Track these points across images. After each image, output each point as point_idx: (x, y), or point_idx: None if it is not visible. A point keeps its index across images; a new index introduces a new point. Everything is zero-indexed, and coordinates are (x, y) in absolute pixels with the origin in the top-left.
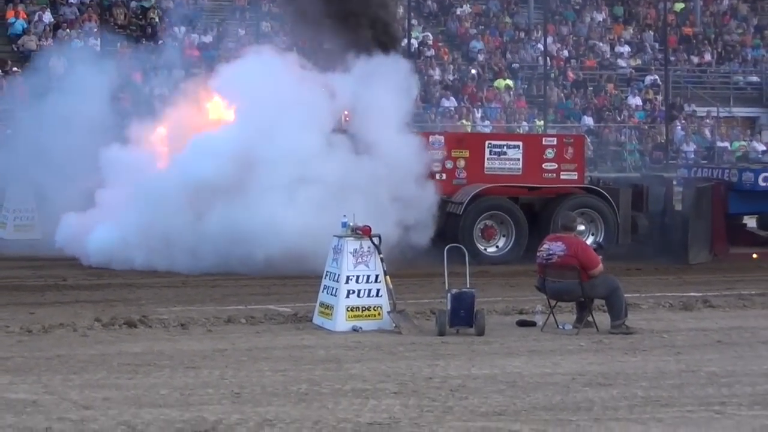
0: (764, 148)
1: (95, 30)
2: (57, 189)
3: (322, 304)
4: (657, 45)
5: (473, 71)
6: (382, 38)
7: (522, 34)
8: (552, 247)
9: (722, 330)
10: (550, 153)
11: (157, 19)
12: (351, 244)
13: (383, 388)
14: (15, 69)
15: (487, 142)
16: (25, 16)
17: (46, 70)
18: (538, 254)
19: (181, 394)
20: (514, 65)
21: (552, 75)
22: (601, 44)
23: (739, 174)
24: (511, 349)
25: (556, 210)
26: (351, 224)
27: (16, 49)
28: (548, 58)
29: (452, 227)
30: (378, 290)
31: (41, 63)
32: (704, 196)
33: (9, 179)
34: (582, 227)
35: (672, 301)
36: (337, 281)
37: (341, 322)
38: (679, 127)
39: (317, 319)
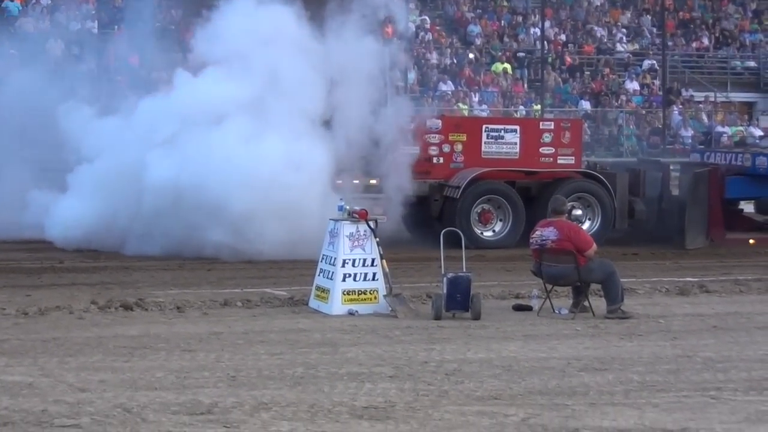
0: (761, 133)
1: (93, 12)
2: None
3: (318, 288)
4: (655, 30)
5: (471, 55)
6: None
7: (520, 18)
8: (544, 233)
9: (718, 315)
10: (547, 137)
11: None
12: (347, 228)
13: (379, 372)
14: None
15: (484, 126)
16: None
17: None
18: (531, 240)
19: (177, 377)
20: (519, 54)
21: (549, 59)
22: (598, 29)
23: (753, 159)
24: (507, 333)
25: (553, 195)
26: (347, 208)
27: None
28: (546, 42)
29: (449, 211)
30: (374, 274)
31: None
32: (701, 181)
33: None
34: (579, 212)
35: (668, 286)
36: (334, 265)
37: (337, 305)
38: (677, 112)
39: (313, 303)
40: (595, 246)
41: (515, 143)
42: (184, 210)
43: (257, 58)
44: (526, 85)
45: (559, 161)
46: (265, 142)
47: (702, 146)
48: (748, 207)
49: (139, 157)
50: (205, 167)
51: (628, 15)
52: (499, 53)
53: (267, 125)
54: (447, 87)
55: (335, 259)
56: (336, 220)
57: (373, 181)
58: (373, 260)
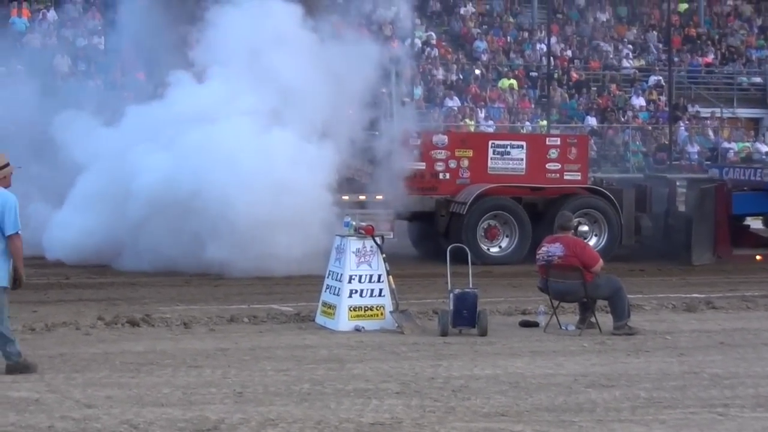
0: (767, 149)
1: (99, 28)
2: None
3: (324, 304)
4: (661, 45)
5: (477, 71)
6: None
7: (525, 34)
8: (551, 249)
9: (725, 331)
10: (553, 153)
11: None
12: (354, 244)
13: (386, 388)
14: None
15: (490, 142)
16: (28, 15)
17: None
18: (537, 256)
19: (184, 393)
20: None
21: (555, 75)
22: (604, 44)
23: None
24: (513, 349)
25: (560, 210)
26: (354, 224)
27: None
28: (552, 58)
29: (456, 227)
30: (381, 290)
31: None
32: (708, 197)
33: None
34: (586, 228)
35: (675, 303)
36: (340, 281)
37: (344, 321)
38: (683, 128)
39: (319, 319)
40: (601, 262)
41: (522, 159)
42: (181, 219)
43: (260, 63)
44: (533, 103)
45: (565, 177)
46: (269, 150)
47: (708, 162)
48: (754, 223)
49: (134, 166)
50: (204, 173)
51: (635, 31)
52: (506, 69)
53: (271, 133)
54: (453, 103)
55: (342, 275)
56: (342, 236)
57: (378, 197)
58: (379, 276)
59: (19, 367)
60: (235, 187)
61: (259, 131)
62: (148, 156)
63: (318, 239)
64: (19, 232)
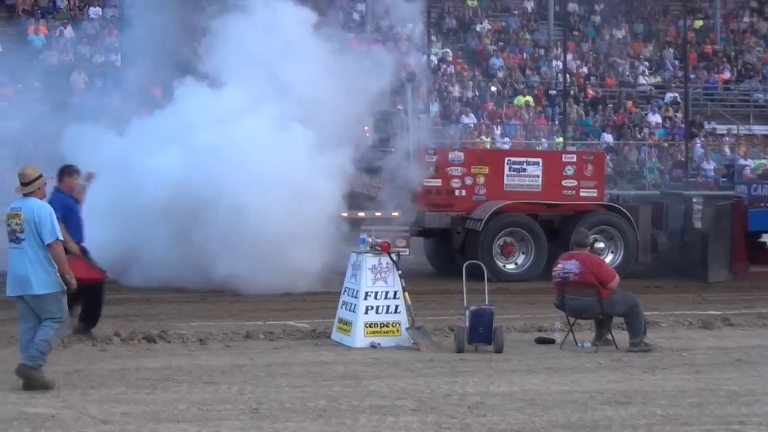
0: None
1: (116, 45)
2: None
3: (340, 320)
4: (677, 62)
5: (493, 88)
6: None
7: (542, 51)
8: (567, 266)
9: (742, 349)
10: (569, 170)
11: None
12: (370, 260)
13: (402, 405)
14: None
15: (506, 159)
16: (45, 32)
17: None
18: (553, 273)
19: (200, 410)
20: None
21: (572, 92)
22: (621, 61)
23: None
24: (529, 366)
25: (576, 227)
26: (369, 240)
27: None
28: (568, 75)
29: (471, 244)
30: (396, 306)
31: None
32: (724, 215)
33: None
34: (601, 245)
35: (691, 320)
36: (356, 297)
37: (360, 338)
38: (699, 145)
39: (336, 335)
40: (617, 278)
41: (538, 176)
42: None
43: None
44: (549, 120)
45: (581, 194)
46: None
47: (725, 179)
48: None
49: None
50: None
51: (651, 48)
52: (522, 86)
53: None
54: (469, 120)
55: (357, 291)
56: (359, 253)
57: (395, 214)
58: (395, 293)
59: (35, 377)
60: (248, 195)
61: (274, 136)
62: (156, 164)
63: (338, 253)
64: (59, 239)
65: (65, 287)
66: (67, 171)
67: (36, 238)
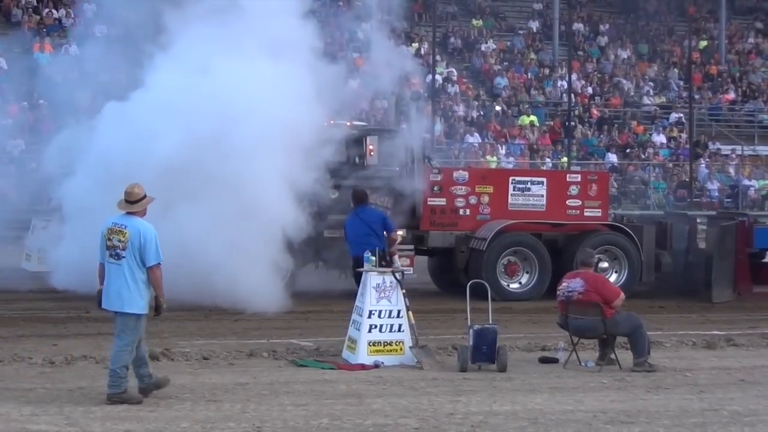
0: None
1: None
2: None
3: (349, 339)
4: (682, 83)
5: (497, 107)
6: None
7: (546, 71)
8: (571, 285)
9: (745, 369)
10: (574, 190)
11: None
12: (374, 279)
13: (404, 424)
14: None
15: (511, 178)
16: (50, 49)
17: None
18: (558, 292)
19: (203, 428)
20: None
21: (576, 112)
22: (626, 81)
23: None
24: (533, 385)
25: (580, 247)
26: (373, 259)
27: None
28: (573, 95)
29: (475, 263)
30: (400, 325)
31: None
32: (728, 235)
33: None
34: (605, 264)
35: (695, 340)
36: (362, 316)
37: (363, 356)
38: (704, 165)
39: (345, 354)
40: (622, 296)
41: (542, 195)
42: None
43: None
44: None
45: (585, 214)
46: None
47: (729, 199)
48: None
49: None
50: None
51: (656, 68)
52: (526, 106)
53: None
54: (474, 139)
55: (363, 309)
56: (364, 271)
57: (400, 233)
58: (399, 311)
59: (150, 388)
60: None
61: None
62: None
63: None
64: (161, 263)
65: (156, 311)
66: None
67: (137, 258)
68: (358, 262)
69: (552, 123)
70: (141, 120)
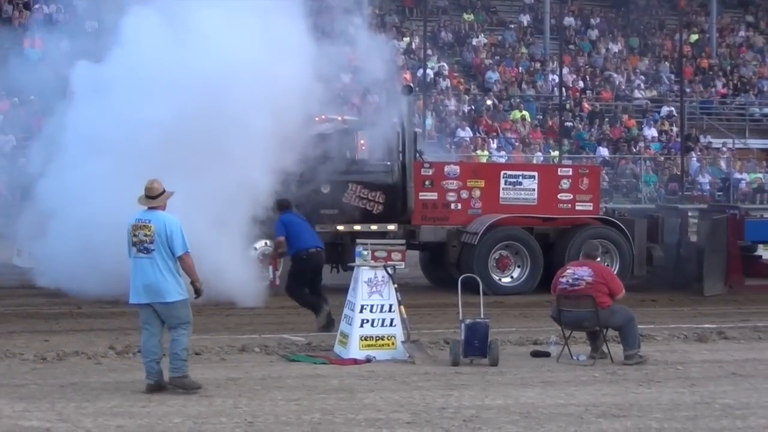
0: None
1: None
2: None
3: (341, 333)
4: (673, 76)
5: (488, 102)
6: None
7: (538, 65)
8: (578, 272)
9: (737, 362)
10: (565, 183)
11: None
12: (365, 274)
13: (396, 418)
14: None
15: (502, 173)
16: (41, 45)
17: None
18: (561, 279)
19: (195, 423)
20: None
21: (567, 106)
22: (617, 75)
23: None
24: (525, 379)
25: (571, 241)
26: (366, 253)
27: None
28: (564, 89)
29: (467, 257)
30: (392, 320)
31: None
32: (719, 228)
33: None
34: (598, 258)
35: (687, 333)
36: (353, 310)
37: (355, 351)
38: (695, 159)
39: (337, 348)
40: (624, 292)
41: (533, 189)
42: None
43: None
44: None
45: (577, 207)
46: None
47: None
48: (766, 254)
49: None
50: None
51: (647, 62)
52: (517, 101)
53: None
54: (465, 133)
55: (355, 304)
56: (356, 266)
57: (391, 227)
58: (390, 306)
59: (187, 384)
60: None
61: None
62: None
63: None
64: (189, 251)
65: (194, 294)
66: None
67: (166, 249)
68: (312, 256)
69: (542, 117)
70: (118, 86)
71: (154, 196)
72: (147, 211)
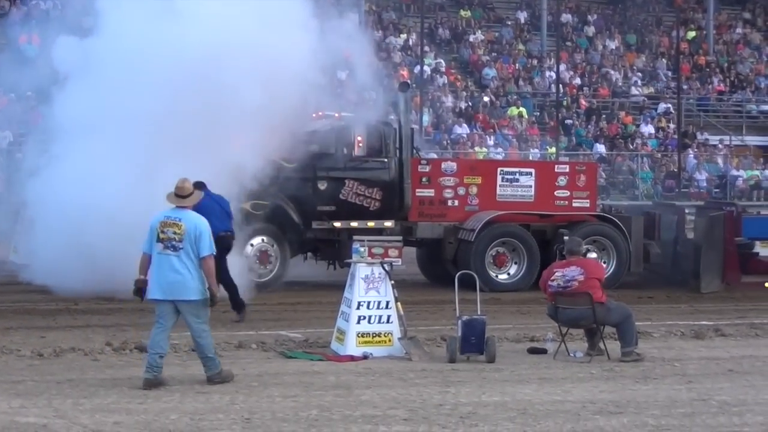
0: None
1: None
2: None
3: (338, 330)
4: (670, 73)
5: (486, 98)
6: None
7: (535, 62)
8: (567, 273)
9: (734, 359)
10: (562, 180)
11: None
12: (362, 270)
13: (393, 415)
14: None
15: (499, 169)
16: (38, 41)
17: None
18: (551, 282)
19: (192, 419)
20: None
21: (564, 102)
22: (614, 72)
23: None
24: (521, 376)
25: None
26: (363, 250)
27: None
28: (561, 86)
29: (464, 254)
30: (389, 316)
31: None
32: (716, 225)
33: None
34: (594, 255)
35: (684, 330)
36: (350, 307)
37: (352, 347)
38: (692, 156)
39: (333, 345)
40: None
41: (530, 186)
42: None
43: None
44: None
45: (574, 204)
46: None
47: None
48: (763, 251)
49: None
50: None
51: (644, 58)
52: (515, 97)
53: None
54: (462, 130)
55: (352, 301)
56: (353, 263)
57: (388, 224)
58: (387, 303)
59: (224, 377)
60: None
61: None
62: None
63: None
64: (214, 254)
65: (209, 300)
66: None
67: (193, 248)
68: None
69: (539, 114)
70: (102, 67)
71: (184, 196)
72: (176, 210)
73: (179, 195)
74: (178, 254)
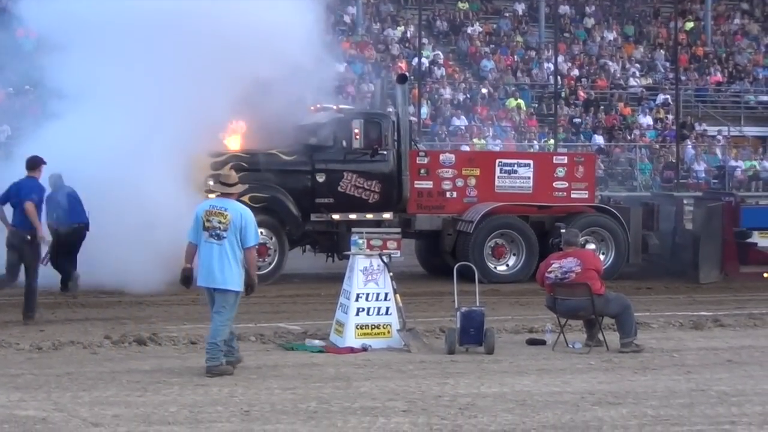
0: None
1: None
2: None
3: (337, 322)
4: (668, 64)
5: (484, 90)
6: None
7: (533, 53)
8: (564, 264)
9: (732, 349)
10: (560, 171)
11: None
12: (361, 262)
13: (392, 407)
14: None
15: (497, 161)
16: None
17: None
18: (548, 275)
19: (191, 412)
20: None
21: (563, 94)
22: (612, 63)
23: None
24: (520, 367)
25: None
26: (362, 242)
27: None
28: (559, 77)
29: (463, 245)
30: (388, 308)
31: None
32: (715, 216)
33: None
34: (593, 246)
35: (682, 320)
36: (349, 299)
37: (351, 339)
38: (690, 147)
39: (332, 337)
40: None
41: (529, 178)
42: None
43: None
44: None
45: (572, 195)
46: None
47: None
48: (762, 242)
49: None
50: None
51: (642, 50)
52: (513, 88)
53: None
54: (460, 122)
55: (351, 293)
56: (352, 254)
57: (386, 216)
58: (386, 294)
59: (234, 362)
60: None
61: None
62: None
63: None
64: (258, 244)
65: (247, 290)
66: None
67: (237, 238)
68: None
69: (537, 105)
70: (87, 31)
71: (230, 184)
72: (221, 199)
73: (224, 183)
74: (221, 243)
